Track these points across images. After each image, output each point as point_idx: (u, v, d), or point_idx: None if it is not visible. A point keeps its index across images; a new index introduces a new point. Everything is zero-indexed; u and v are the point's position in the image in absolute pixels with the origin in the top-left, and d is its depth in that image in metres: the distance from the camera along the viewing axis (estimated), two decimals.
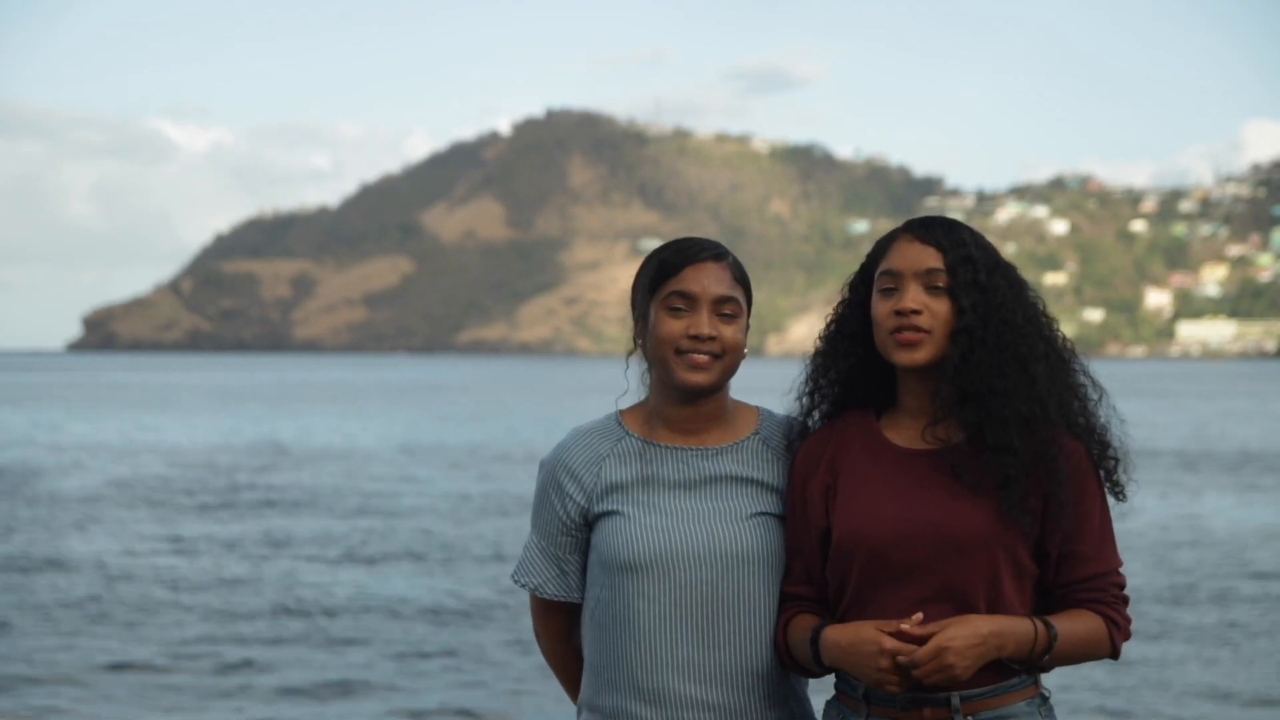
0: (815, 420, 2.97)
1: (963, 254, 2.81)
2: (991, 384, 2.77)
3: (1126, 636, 2.83)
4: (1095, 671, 11.63)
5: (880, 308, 2.83)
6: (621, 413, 3.05)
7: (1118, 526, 2.90)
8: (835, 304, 2.97)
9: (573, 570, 3.02)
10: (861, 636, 2.72)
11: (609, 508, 2.96)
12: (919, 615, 2.71)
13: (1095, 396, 2.86)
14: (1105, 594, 2.81)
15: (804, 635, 2.85)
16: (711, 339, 2.90)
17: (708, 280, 2.92)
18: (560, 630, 3.09)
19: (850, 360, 2.92)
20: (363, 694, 11.44)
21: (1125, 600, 2.84)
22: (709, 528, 2.92)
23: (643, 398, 3.07)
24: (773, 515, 2.95)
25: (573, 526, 3.00)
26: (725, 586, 2.90)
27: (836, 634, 2.76)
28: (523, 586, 3.04)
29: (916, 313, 2.79)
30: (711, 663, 2.89)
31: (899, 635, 2.71)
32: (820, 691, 2.97)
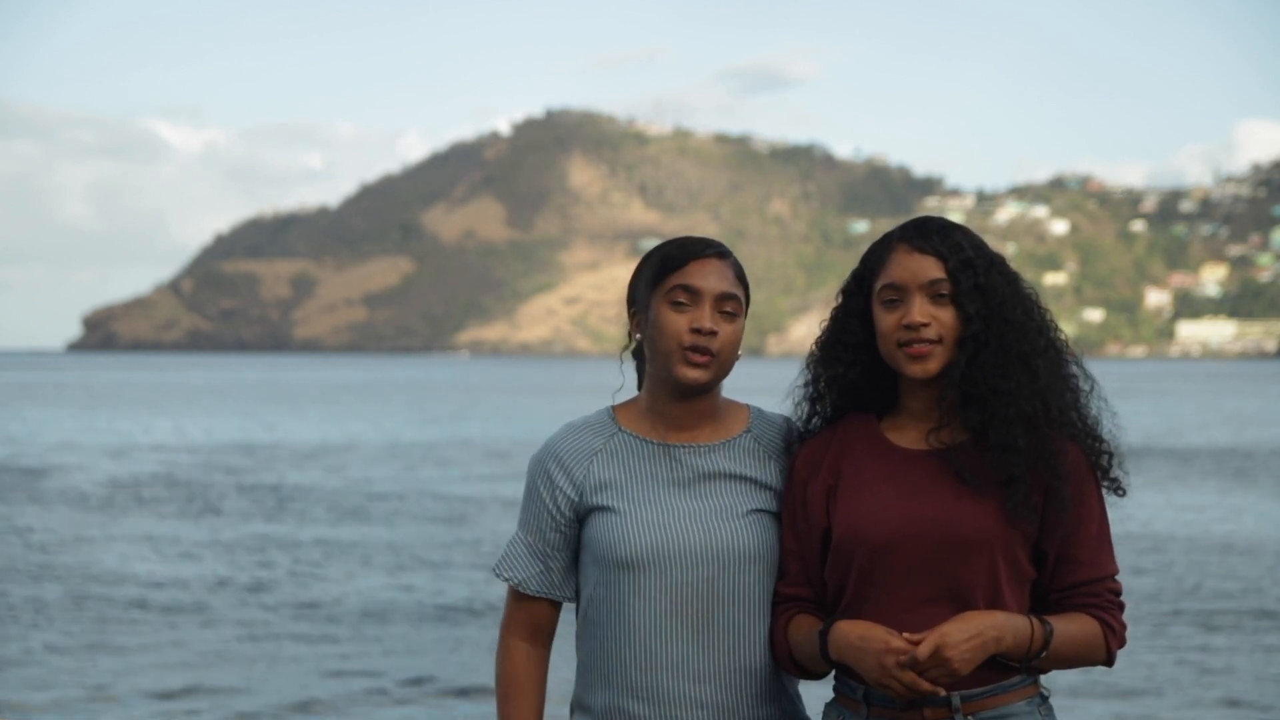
0: (815, 425, 2.96)
1: (962, 259, 2.81)
2: (995, 385, 2.78)
3: (1122, 643, 2.84)
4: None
5: (885, 321, 2.83)
6: (615, 408, 3.04)
7: (1117, 530, 2.90)
8: (831, 310, 2.97)
9: (557, 567, 2.99)
10: (873, 633, 2.71)
11: (601, 503, 2.94)
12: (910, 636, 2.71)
13: (1087, 388, 2.87)
14: (1101, 599, 2.82)
15: (811, 631, 2.85)
16: (713, 334, 2.89)
17: (712, 276, 2.92)
18: (520, 632, 3.01)
19: (856, 369, 2.91)
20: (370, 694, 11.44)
21: (1121, 606, 2.85)
22: (704, 525, 2.91)
23: (636, 394, 3.06)
24: (766, 512, 2.94)
25: (561, 521, 2.97)
26: (721, 584, 2.89)
27: (849, 627, 2.76)
28: (504, 580, 3.01)
29: (925, 325, 2.79)
30: (706, 660, 2.89)
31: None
32: (816, 696, 2.97)
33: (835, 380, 2.93)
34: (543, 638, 3.03)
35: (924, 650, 2.66)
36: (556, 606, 3.02)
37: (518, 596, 3.01)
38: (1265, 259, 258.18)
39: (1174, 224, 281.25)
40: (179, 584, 16.69)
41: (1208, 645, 13.29)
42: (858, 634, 2.74)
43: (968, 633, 2.68)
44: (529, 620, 3.01)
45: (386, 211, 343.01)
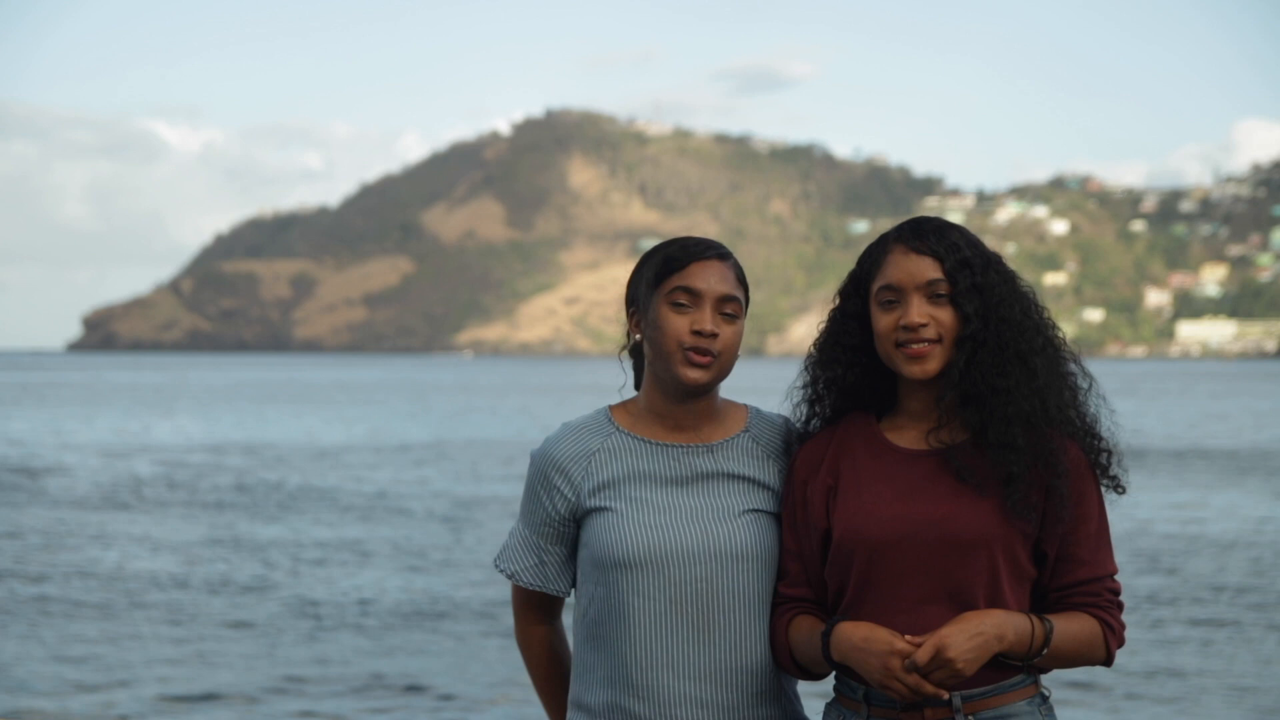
0: (815, 426, 2.97)
1: (959, 259, 2.81)
2: (994, 384, 2.78)
3: (1121, 642, 2.85)
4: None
5: (883, 322, 2.83)
6: (612, 408, 3.05)
7: (1116, 530, 2.90)
8: (829, 312, 2.97)
9: (552, 562, 3.01)
10: (876, 635, 2.71)
11: (600, 504, 2.94)
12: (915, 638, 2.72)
13: (1085, 386, 2.88)
14: (1100, 598, 2.82)
15: (812, 633, 2.85)
16: (714, 336, 2.90)
17: (713, 278, 2.92)
18: (531, 618, 3.09)
19: (855, 370, 2.91)
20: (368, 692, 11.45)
21: (1120, 606, 2.85)
22: (702, 524, 2.91)
23: (634, 394, 3.08)
24: (765, 512, 2.95)
25: (559, 521, 2.99)
26: (719, 583, 2.89)
27: (851, 629, 2.75)
28: (500, 572, 3.06)
29: (924, 325, 2.80)
30: (705, 659, 2.89)
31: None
32: (816, 695, 2.98)
33: (834, 382, 2.93)
34: (553, 619, 3.10)
35: (923, 654, 2.66)
36: (554, 599, 3.08)
37: (518, 587, 3.07)
38: (1265, 259, 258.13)
39: (1174, 224, 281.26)
40: (179, 584, 16.70)
41: (1208, 643, 13.29)
42: (861, 636, 2.73)
43: (968, 633, 2.68)
44: (534, 610, 3.08)
45: (386, 211, 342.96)
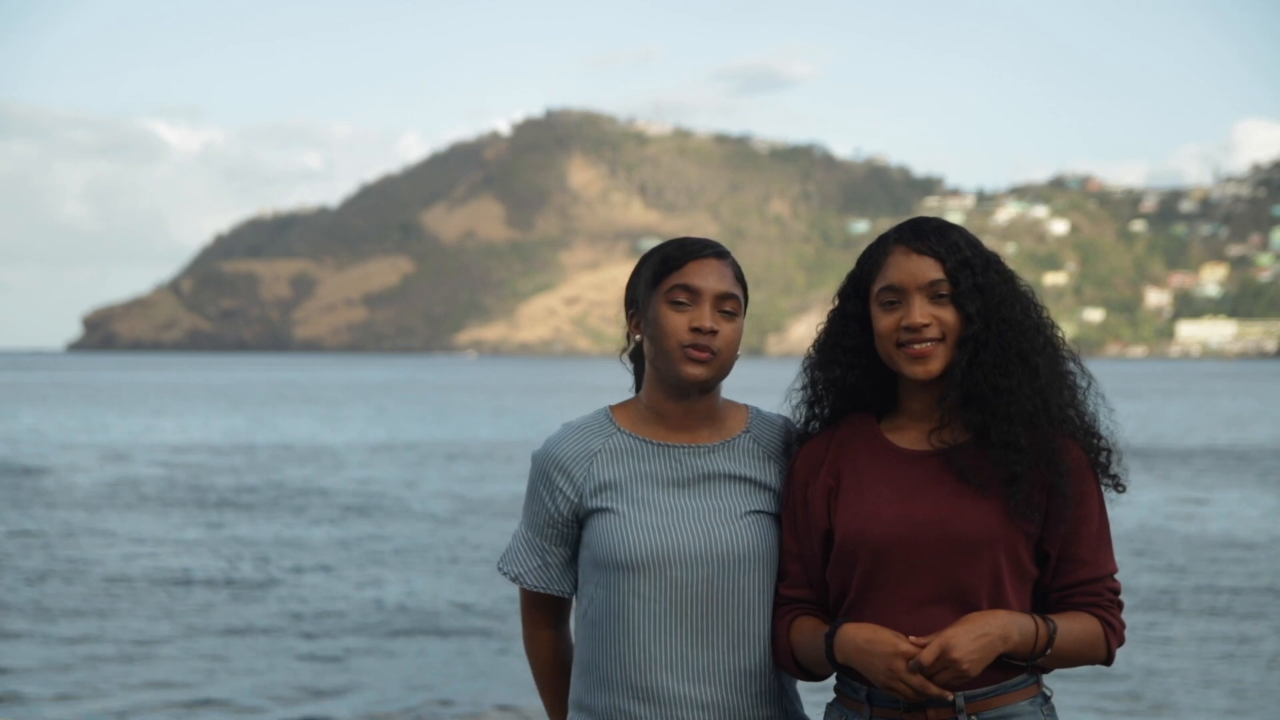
0: (814, 428, 2.96)
1: (960, 259, 2.81)
2: (996, 384, 2.78)
3: (1121, 642, 2.86)
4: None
5: (885, 322, 2.83)
6: (613, 409, 3.04)
7: (1115, 530, 2.91)
8: (828, 313, 2.96)
9: (555, 564, 3.01)
10: (880, 636, 2.71)
11: (601, 505, 2.94)
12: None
13: (1084, 385, 2.88)
14: (1101, 598, 2.83)
15: (815, 634, 2.85)
16: (713, 333, 2.90)
17: (711, 276, 2.92)
18: (539, 621, 3.09)
19: (856, 372, 2.91)
20: (352, 692, 11.46)
21: (1120, 605, 2.86)
22: (703, 526, 2.91)
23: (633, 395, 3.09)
24: (766, 514, 2.95)
25: (561, 521, 2.98)
26: (720, 585, 2.89)
27: (854, 631, 2.75)
28: (503, 574, 3.06)
29: (926, 326, 2.80)
30: (705, 661, 2.89)
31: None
32: (816, 694, 2.99)
33: (834, 383, 2.93)
34: (559, 623, 3.10)
35: (928, 655, 2.66)
36: (559, 600, 3.07)
37: (524, 590, 3.07)
38: (1265, 259, 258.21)
39: (1174, 224, 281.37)
40: (179, 584, 16.70)
41: (1207, 643, 13.29)
42: (864, 637, 2.73)
43: (973, 634, 2.68)
44: (540, 613, 3.08)
45: (386, 211, 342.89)
